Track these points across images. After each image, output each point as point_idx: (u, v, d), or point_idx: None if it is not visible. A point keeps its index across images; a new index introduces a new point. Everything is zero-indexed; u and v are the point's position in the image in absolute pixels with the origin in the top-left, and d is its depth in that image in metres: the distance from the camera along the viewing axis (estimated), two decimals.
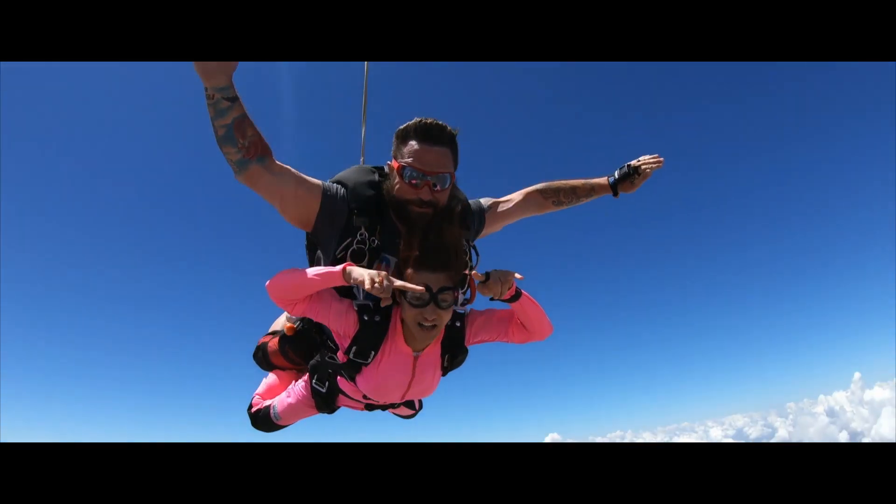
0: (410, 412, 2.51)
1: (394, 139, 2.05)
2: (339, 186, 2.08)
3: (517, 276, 1.92)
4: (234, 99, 1.83)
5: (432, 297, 1.82)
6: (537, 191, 2.48)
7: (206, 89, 1.81)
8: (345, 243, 2.01)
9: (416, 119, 2.00)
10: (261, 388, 2.73)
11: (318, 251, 2.17)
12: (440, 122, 2.00)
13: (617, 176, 2.49)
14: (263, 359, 2.54)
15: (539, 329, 2.10)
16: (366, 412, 2.38)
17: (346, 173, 2.15)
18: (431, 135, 1.98)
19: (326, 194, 2.03)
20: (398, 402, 2.23)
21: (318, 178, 2.08)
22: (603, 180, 2.52)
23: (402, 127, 2.02)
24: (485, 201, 2.42)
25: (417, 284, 1.80)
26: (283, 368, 2.59)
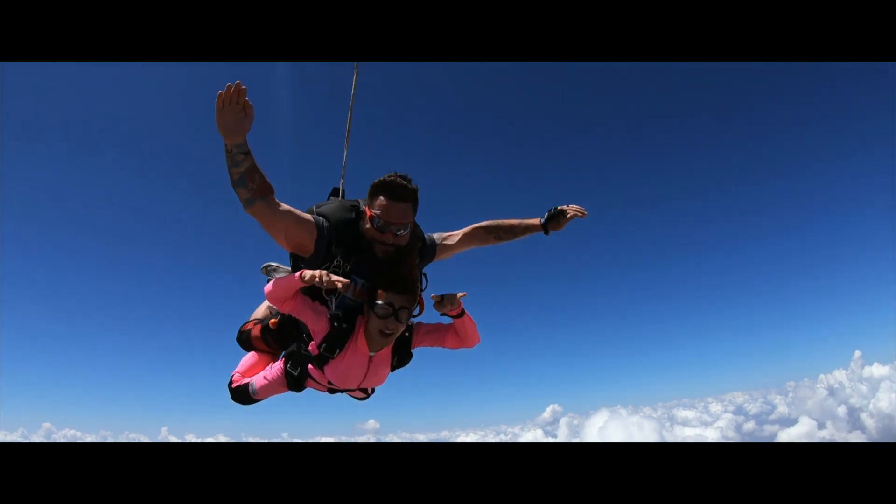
0: (364, 395, 3.01)
1: (368, 189, 2.55)
2: (325, 220, 2.57)
3: (461, 294, 2.60)
4: (248, 153, 2.32)
5: (394, 312, 2.44)
6: (481, 227, 2.97)
7: (226, 145, 2.28)
8: (324, 266, 2.51)
9: (387, 176, 2.50)
10: (240, 367, 3.17)
11: (301, 266, 2.62)
12: (405, 182, 2.49)
13: (546, 217, 2.96)
14: (246, 342, 3.14)
15: (471, 340, 2.76)
16: (328, 394, 2.90)
17: (329, 209, 2.64)
18: (397, 193, 2.47)
19: (319, 229, 2.54)
20: (355, 388, 2.80)
21: (309, 193, 2.71)
22: (536, 221, 2.99)
23: (375, 181, 2.51)
24: (437, 236, 2.91)
25: (385, 302, 2.43)
26: (261, 351, 3.15)
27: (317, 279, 2.32)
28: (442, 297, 2.61)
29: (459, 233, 2.99)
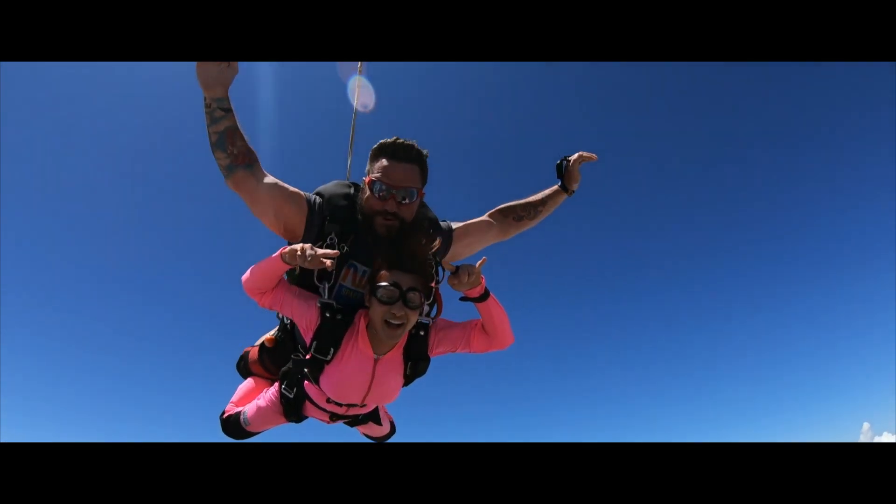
0: (381, 432, 2.62)
1: (368, 157, 2.18)
2: (318, 197, 2.21)
3: (481, 262, 2.03)
4: (229, 110, 2.04)
5: (401, 295, 1.92)
6: (497, 211, 2.56)
7: (205, 98, 2.02)
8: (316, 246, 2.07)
9: (388, 138, 2.14)
10: (235, 396, 2.74)
11: None
12: (409, 142, 2.13)
13: (559, 177, 2.61)
14: (244, 367, 2.71)
15: (502, 335, 2.13)
16: (331, 425, 2.43)
17: (323, 186, 2.28)
18: (400, 153, 2.11)
19: (310, 205, 2.16)
20: (359, 405, 2.24)
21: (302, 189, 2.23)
22: (553, 187, 2.61)
23: (374, 146, 2.16)
24: (454, 224, 2.44)
25: (389, 282, 1.92)
26: (260, 377, 2.68)
27: (298, 254, 1.89)
28: (457, 268, 2.03)
29: (476, 220, 2.55)
